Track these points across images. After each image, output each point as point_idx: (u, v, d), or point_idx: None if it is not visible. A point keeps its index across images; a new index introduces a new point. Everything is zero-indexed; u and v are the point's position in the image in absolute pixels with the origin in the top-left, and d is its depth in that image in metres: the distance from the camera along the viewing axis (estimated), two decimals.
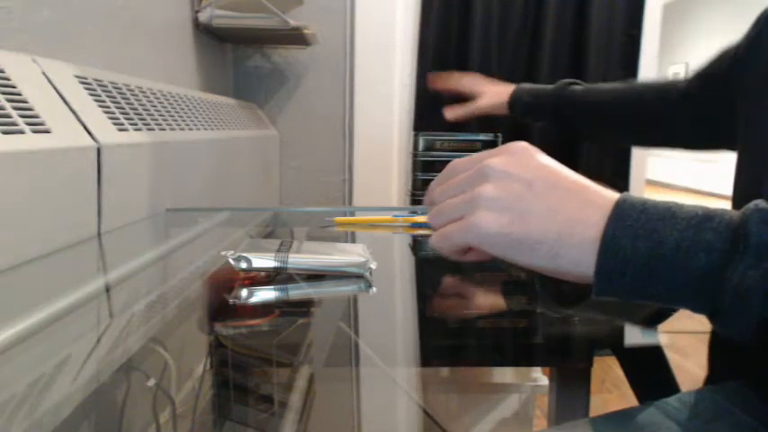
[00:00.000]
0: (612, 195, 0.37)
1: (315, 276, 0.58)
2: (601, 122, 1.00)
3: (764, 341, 0.33)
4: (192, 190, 1.05)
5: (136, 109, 0.90)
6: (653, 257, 0.34)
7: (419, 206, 1.19)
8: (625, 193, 0.37)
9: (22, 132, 0.59)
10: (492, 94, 1.09)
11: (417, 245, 0.78)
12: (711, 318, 0.35)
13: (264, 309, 0.53)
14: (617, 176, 2.08)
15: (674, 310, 1.02)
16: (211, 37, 1.71)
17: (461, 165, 0.43)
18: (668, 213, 0.34)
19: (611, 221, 0.35)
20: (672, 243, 0.33)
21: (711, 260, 0.33)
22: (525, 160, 0.40)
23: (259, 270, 0.55)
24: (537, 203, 0.38)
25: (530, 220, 0.37)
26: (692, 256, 0.33)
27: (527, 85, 1.07)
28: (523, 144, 0.41)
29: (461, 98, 1.14)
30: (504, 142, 1.34)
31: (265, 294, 0.55)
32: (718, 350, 0.60)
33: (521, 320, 0.75)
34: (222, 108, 1.44)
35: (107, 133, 0.76)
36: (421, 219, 0.88)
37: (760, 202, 0.34)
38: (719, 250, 0.33)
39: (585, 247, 0.36)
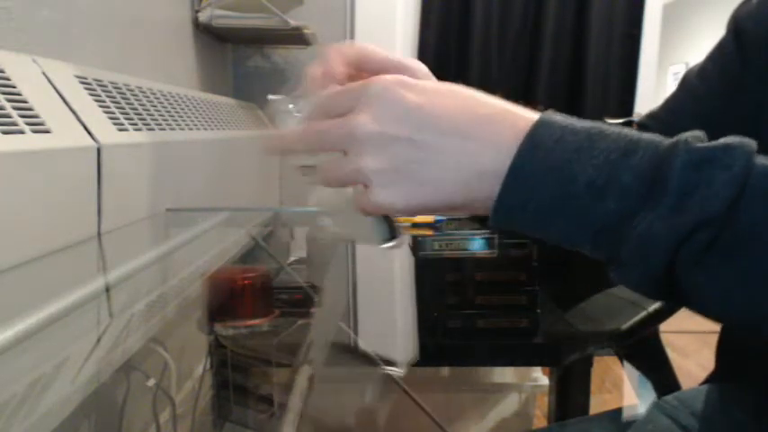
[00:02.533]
0: (525, 119, 0.32)
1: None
2: None
3: (662, 295, 0.30)
4: (192, 190, 1.05)
5: (136, 109, 0.90)
6: (560, 196, 0.30)
7: None
8: (547, 112, 0.32)
9: (22, 132, 0.59)
10: None
11: (417, 245, 0.78)
12: (607, 265, 0.31)
13: (264, 309, 0.53)
14: None
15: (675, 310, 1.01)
16: (211, 37, 1.70)
17: (325, 107, 0.36)
18: (587, 143, 0.30)
19: (522, 150, 0.31)
20: (584, 180, 0.29)
21: (621, 207, 0.29)
22: (394, 108, 0.33)
23: None
24: (430, 161, 0.32)
25: (430, 184, 0.32)
26: (601, 199, 0.29)
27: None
28: (383, 84, 0.34)
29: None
30: None
31: None
32: (728, 348, 0.60)
33: (521, 320, 0.76)
34: (222, 108, 1.44)
35: (107, 133, 0.76)
36: (421, 219, 0.88)
37: (692, 136, 0.29)
38: (632, 196, 0.29)
39: (496, 191, 0.31)
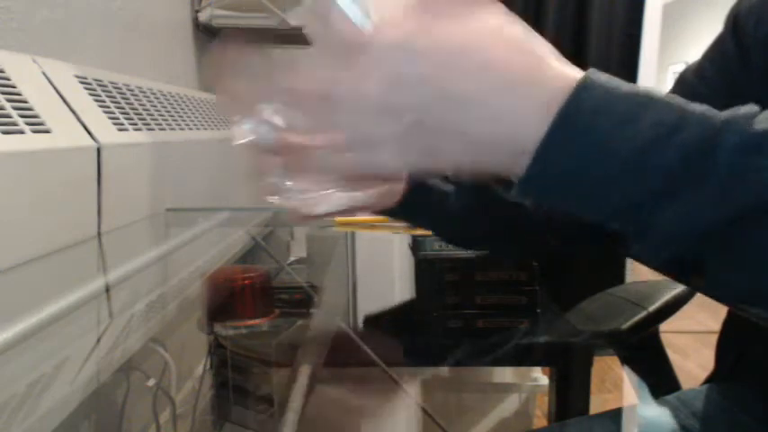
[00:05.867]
0: (564, 80, 0.28)
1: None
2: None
3: (683, 276, 0.30)
4: (192, 190, 1.05)
5: (136, 109, 0.90)
6: (597, 176, 0.28)
7: None
8: (591, 71, 0.28)
9: (22, 132, 0.59)
10: None
11: (417, 245, 0.78)
12: (626, 240, 0.29)
13: (264, 309, 0.54)
14: None
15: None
16: (211, 37, 1.71)
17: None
18: (632, 116, 0.27)
19: (557, 123, 0.27)
20: (620, 160, 0.27)
21: (662, 187, 0.27)
22: (403, 79, 0.28)
23: None
24: (451, 120, 0.28)
25: (444, 148, 0.29)
26: (642, 179, 0.27)
27: None
28: (389, 48, 0.28)
29: None
30: None
31: None
32: (728, 348, 0.60)
33: (521, 320, 0.76)
34: None
35: (107, 133, 0.76)
36: None
37: (750, 112, 0.27)
38: (675, 176, 0.27)
39: (516, 166, 0.29)
